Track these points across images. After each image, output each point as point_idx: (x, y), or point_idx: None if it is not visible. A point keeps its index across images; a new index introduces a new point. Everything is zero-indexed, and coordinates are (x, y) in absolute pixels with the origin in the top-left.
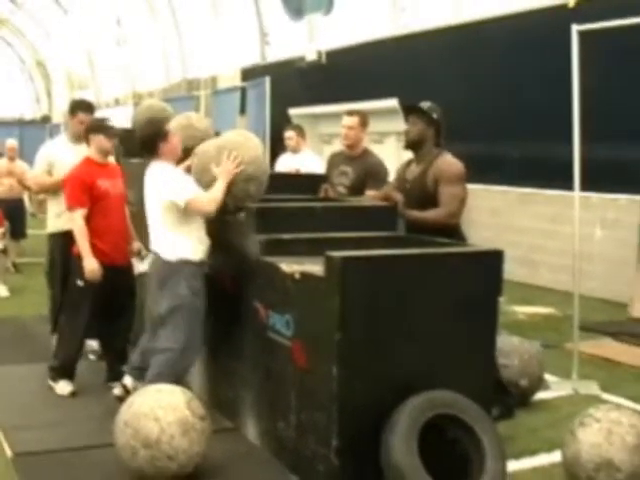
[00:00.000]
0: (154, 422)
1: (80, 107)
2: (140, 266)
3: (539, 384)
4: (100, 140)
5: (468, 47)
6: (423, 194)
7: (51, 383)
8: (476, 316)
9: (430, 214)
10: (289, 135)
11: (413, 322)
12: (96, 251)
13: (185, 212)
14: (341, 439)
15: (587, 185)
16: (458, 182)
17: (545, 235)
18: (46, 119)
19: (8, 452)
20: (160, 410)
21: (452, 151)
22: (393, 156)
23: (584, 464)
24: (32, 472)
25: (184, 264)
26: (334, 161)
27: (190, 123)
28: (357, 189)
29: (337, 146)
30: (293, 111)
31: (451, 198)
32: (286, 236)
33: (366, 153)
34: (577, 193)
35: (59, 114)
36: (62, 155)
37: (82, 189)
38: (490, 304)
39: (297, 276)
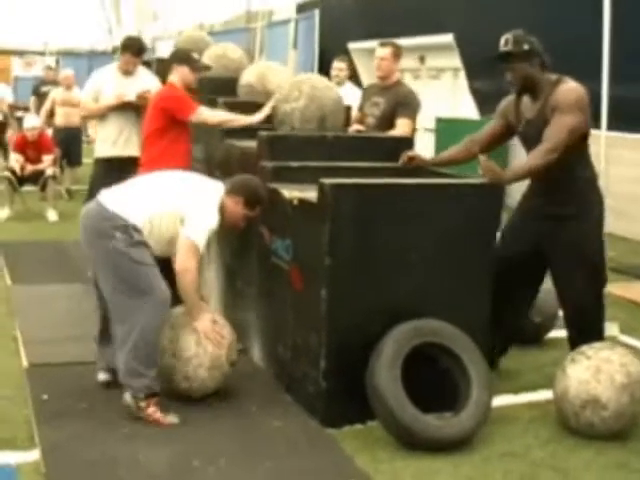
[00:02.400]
0: (195, 344)
1: (129, 49)
2: None
3: (553, 322)
4: (184, 71)
5: None
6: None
7: None
8: (473, 248)
9: (527, 163)
10: (340, 67)
11: (406, 251)
12: None
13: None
14: (329, 361)
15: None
16: (572, 111)
17: None
18: (116, 51)
19: (25, 363)
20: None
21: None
22: (449, 92)
23: (571, 400)
24: (42, 381)
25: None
26: (368, 93)
27: (224, 53)
28: (387, 119)
29: None
30: (352, 45)
31: (556, 131)
32: (294, 164)
33: (398, 84)
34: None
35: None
36: (109, 84)
37: (186, 95)
38: (488, 237)
39: (295, 202)
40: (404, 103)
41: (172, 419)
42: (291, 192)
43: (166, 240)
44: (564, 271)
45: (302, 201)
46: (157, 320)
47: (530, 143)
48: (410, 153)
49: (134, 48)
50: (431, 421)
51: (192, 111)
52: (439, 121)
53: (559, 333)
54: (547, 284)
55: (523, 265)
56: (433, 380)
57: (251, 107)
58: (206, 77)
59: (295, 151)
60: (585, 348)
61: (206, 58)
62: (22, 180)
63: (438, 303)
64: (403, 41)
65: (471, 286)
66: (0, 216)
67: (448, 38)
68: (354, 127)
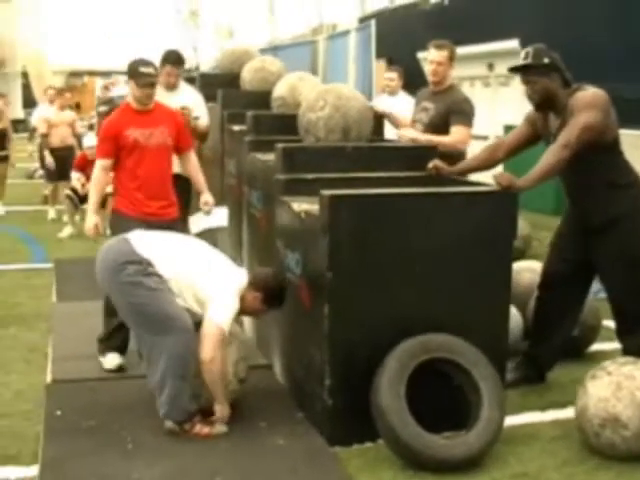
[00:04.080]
0: None
1: (167, 59)
2: (202, 222)
3: (594, 334)
4: (132, 87)
5: None
6: None
7: (100, 358)
8: (485, 258)
9: (540, 165)
10: (391, 76)
11: (411, 263)
12: (136, 204)
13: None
14: (334, 379)
15: None
16: (586, 109)
17: None
18: (197, 69)
19: (48, 379)
20: None
21: None
22: (519, 99)
23: (590, 419)
24: (59, 397)
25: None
26: (419, 98)
27: (263, 66)
28: (436, 126)
29: (465, 89)
30: (422, 54)
31: (569, 128)
32: (309, 176)
33: (451, 89)
34: None
35: (206, 63)
36: None
37: (107, 138)
38: (502, 247)
39: (302, 215)
40: (458, 110)
41: (220, 428)
42: (300, 205)
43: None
44: (613, 280)
45: (308, 214)
46: (184, 349)
47: None
48: (434, 162)
49: (172, 59)
50: (435, 440)
51: (97, 158)
52: (508, 129)
53: (602, 346)
54: None
55: (572, 277)
56: (446, 397)
57: (280, 120)
58: (244, 90)
59: (315, 163)
60: (607, 363)
61: (246, 72)
62: (83, 198)
63: (447, 316)
64: (471, 49)
65: (484, 298)
66: (62, 234)
67: (514, 44)
68: (403, 132)
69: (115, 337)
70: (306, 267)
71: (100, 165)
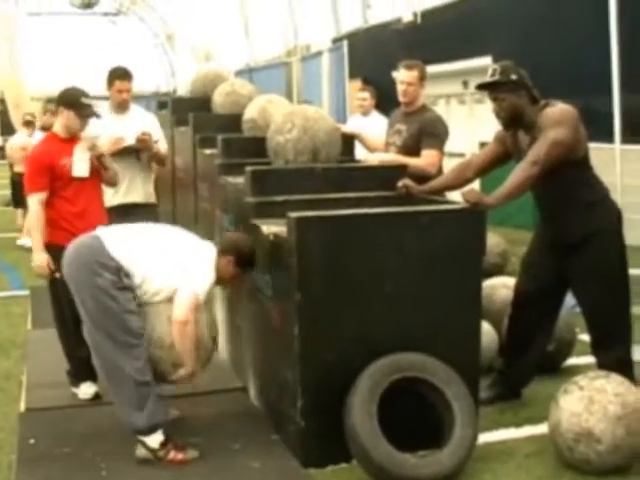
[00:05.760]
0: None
1: (114, 75)
2: None
3: (569, 348)
4: (70, 117)
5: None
6: None
7: (73, 390)
8: (455, 275)
9: (509, 181)
10: (364, 96)
11: (381, 282)
12: (69, 237)
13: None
14: (306, 400)
15: None
16: (554, 125)
17: None
18: (175, 92)
19: (22, 407)
20: None
21: None
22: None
23: (564, 434)
24: (33, 425)
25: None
26: (392, 120)
27: (233, 89)
28: (410, 148)
29: (441, 107)
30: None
31: (538, 144)
32: (278, 198)
33: (424, 109)
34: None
35: (183, 86)
36: (105, 126)
37: (40, 171)
38: (471, 264)
39: (271, 237)
40: (430, 132)
41: (193, 454)
42: (269, 227)
43: (154, 301)
44: (587, 296)
45: (276, 236)
46: (145, 358)
47: None
48: (404, 181)
49: (118, 73)
50: (407, 459)
51: (29, 193)
52: (485, 146)
53: (578, 360)
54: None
55: (544, 294)
56: (420, 416)
57: (250, 143)
58: (215, 114)
59: (285, 185)
60: (579, 377)
61: (217, 95)
62: None
63: (419, 335)
64: (446, 66)
65: (454, 316)
66: None
67: (487, 60)
68: (370, 157)
69: (84, 367)
70: (276, 288)
71: (38, 200)
